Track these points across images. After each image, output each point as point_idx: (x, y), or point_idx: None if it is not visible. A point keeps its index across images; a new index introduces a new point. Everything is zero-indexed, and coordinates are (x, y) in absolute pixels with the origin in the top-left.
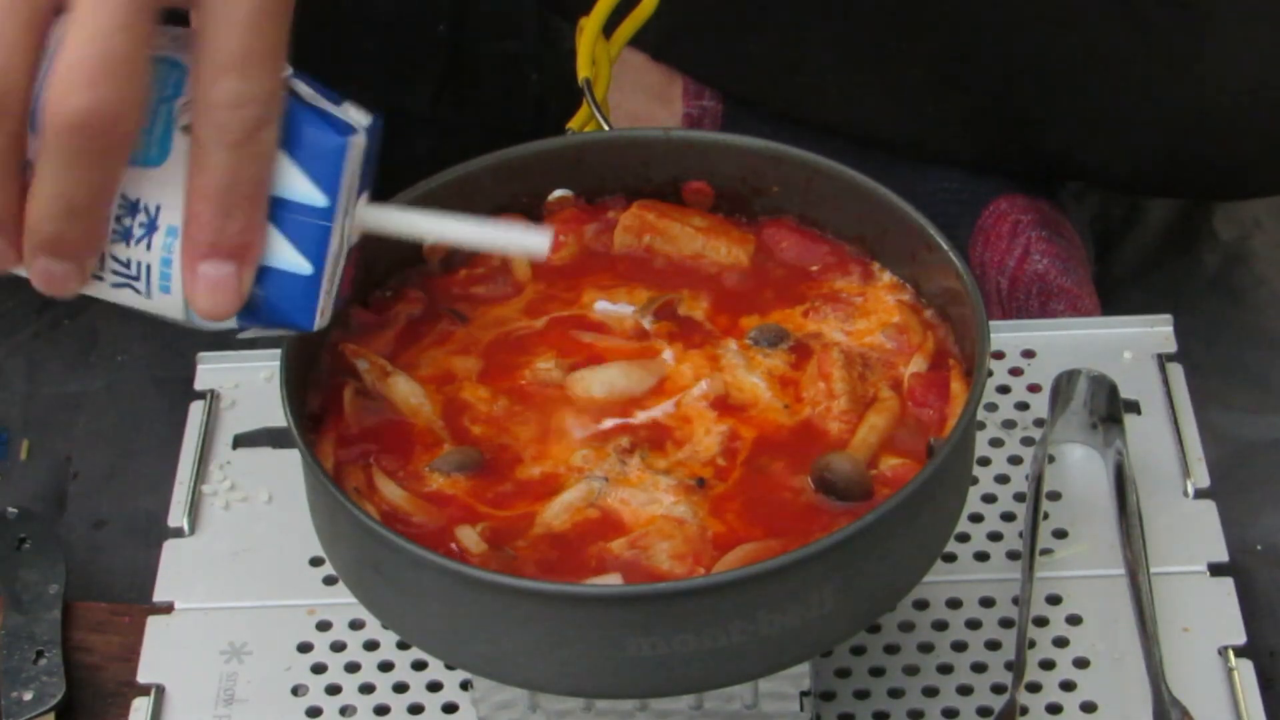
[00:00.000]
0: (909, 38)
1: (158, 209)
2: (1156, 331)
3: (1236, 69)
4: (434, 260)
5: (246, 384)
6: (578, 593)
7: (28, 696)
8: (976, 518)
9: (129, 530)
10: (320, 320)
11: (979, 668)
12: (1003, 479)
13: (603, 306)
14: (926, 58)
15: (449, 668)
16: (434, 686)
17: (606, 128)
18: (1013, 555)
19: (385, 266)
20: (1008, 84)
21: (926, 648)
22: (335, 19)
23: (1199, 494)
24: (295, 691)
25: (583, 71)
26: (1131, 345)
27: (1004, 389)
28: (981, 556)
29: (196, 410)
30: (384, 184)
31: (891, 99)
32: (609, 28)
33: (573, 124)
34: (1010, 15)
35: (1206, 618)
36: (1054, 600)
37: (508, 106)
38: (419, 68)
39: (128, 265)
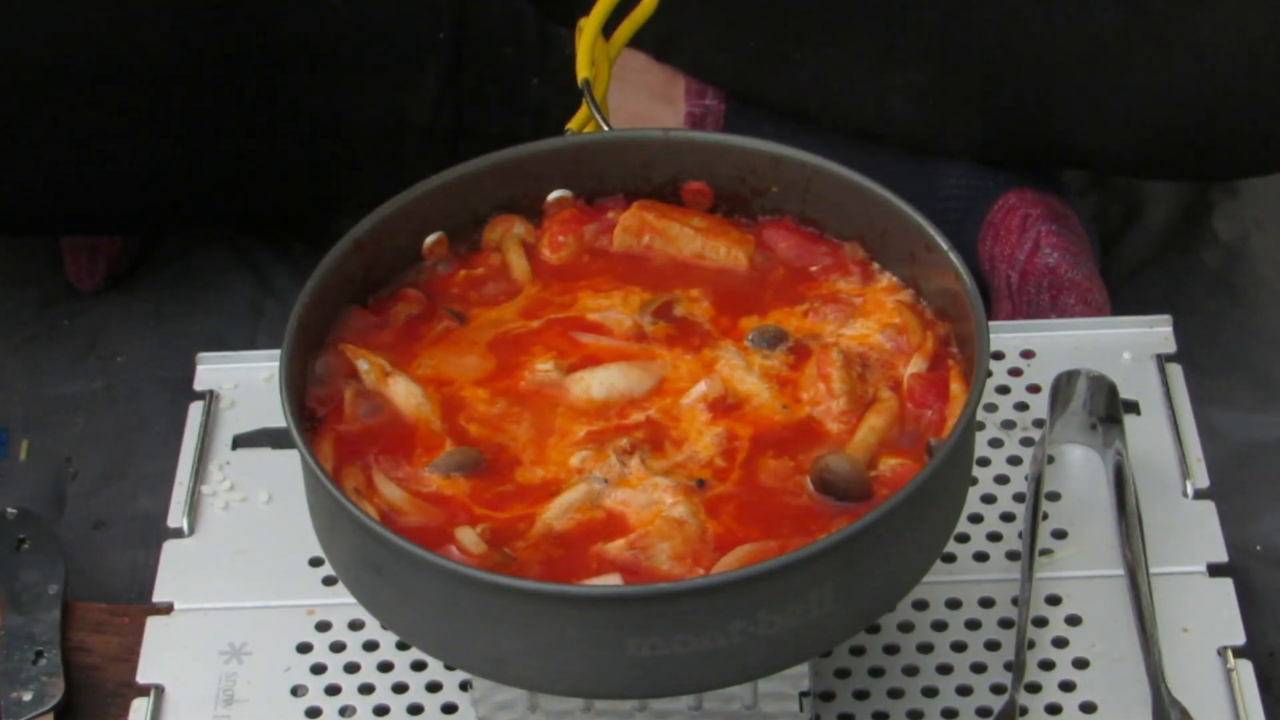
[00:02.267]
0: (908, 31)
1: None
2: (1156, 331)
3: (1229, 44)
4: (433, 260)
5: (246, 384)
6: (577, 593)
7: (27, 696)
8: (976, 518)
9: (128, 531)
10: None
11: (978, 668)
12: (1002, 479)
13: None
14: (926, 49)
15: (448, 668)
16: (433, 687)
17: (606, 128)
18: (1012, 555)
19: (385, 266)
20: (1007, 71)
21: (926, 648)
22: (336, 28)
23: (1198, 494)
24: (295, 692)
25: (582, 72)
26: (1131, 345)
27: (1003, 389)
28: (981, 557)
29: (196, 410)
30: (384, 189)
31: (893, 92)
32: (609, 28)
33: (572, 124)
34: (1007, 2)
35: (1206, 618)
36: (1053, 600)
37: (508, 114)
38: (419, 75)
39: None
